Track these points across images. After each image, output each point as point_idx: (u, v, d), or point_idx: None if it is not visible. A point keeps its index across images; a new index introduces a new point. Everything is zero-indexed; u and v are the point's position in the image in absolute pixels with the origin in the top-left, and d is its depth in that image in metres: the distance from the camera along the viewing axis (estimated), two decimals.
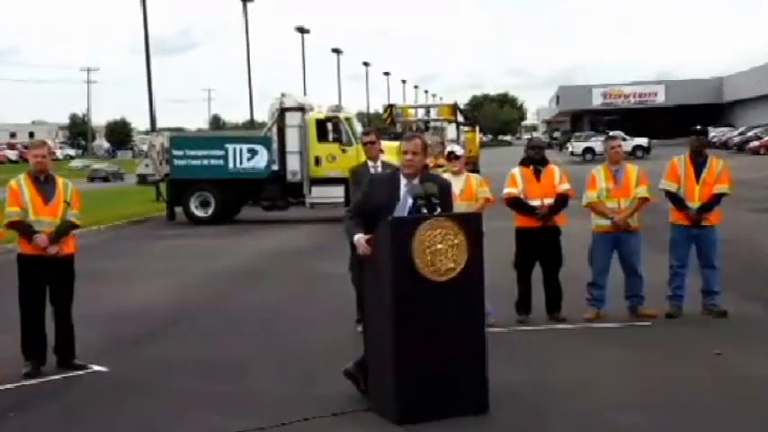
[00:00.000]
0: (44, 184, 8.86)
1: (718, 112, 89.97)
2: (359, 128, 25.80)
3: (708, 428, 6.67)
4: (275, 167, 25.74)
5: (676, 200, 10.34)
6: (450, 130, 36.26)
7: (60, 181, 9.02)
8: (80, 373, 8.80)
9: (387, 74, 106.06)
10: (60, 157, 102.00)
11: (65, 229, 8.85)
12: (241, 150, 25.76)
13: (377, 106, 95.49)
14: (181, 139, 28.32)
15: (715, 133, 73.31)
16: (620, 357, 8.78)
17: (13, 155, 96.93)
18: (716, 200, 10.27)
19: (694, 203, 10.24)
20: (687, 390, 7.60)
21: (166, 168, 26.47)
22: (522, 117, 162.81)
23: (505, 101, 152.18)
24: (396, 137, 25.81)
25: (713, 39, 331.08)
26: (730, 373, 8.08)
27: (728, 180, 10.39)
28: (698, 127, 10.64)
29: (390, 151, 13.65)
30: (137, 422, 7.31)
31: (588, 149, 61.94)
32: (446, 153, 10.58)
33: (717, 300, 10.33)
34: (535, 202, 10.27)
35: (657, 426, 6.72)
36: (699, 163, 10.36)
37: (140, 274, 16.17)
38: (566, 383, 7.89)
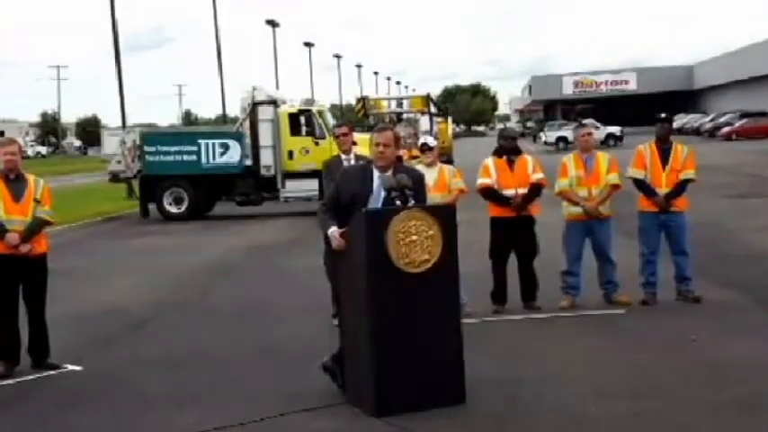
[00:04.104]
0: (15, 182, 8.76)
1: (690, 98, 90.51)
2: (332, 121, 25.72)
3: (685, 414, 6.69)
4: (248, 162, 25.63)
5: (644, 187, 10.39)
6: (424, 122, 36.13)
7: (31, 179, 8.93)
8: (54, 372, 8.73)
9: (359, 66, 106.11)
10: (31, 155, 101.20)
11: (36, 227, 8.75)
12: (213, 146, 25.63)
13: (349, 99, 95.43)
14: (152, 135, 28.10)
15: (687, 120, 73.85)
16: (596, 345, 8.80)
17: None
18: (682, 186, 10.33)
19: (662, 190, 10.29)
20: (663, 376, 7.63)
21: (138, 165, 26.32)
22: (495, 107, 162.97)
23: (478, 91, 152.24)
24: (369, 129, 25.75)
25: (685, 26, 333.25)
26: (706, 359, 8.12)
27: (694, 166, 10.46)
28: (663, 115, 10.71)
29: (364, 144, 13.61)
30: (112, 420, 7.26)
31: (561, 138, 62.08)
32: (419, 144, 10.57)
33: (690, 285, 10.39)
34: (509, 192, 10.27)
35: (635, 413, 6.73)
36: (664, 150, 10.42)
37: (114, 271, 16.06)
38: (542, 373, 7.91)
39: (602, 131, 58.86)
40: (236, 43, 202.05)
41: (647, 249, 10.43)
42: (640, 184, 10.43)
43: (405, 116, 37.39)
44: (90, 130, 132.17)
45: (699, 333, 8.90)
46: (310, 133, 25.39)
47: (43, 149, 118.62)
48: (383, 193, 7.00)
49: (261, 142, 25.58)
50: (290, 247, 18.15)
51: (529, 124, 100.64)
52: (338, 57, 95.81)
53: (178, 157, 25.78)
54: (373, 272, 6.70)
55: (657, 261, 10.44)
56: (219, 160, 25.61)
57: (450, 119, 47.03)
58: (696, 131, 67.02)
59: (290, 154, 25.35)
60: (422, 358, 6.79)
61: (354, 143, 10.47)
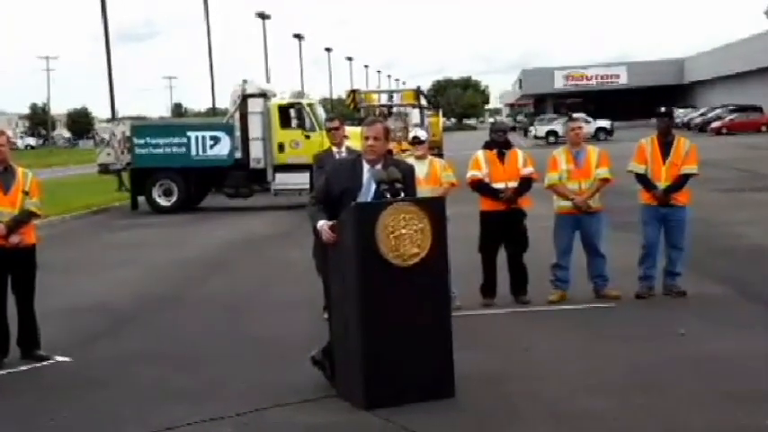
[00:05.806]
0: (3, 174, 8.74)
1: (680, 93, 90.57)
2: (322, 114, 25.69)
3: (674, 409, 6.70)
4: (238, 155, 25.59)
5: (644, 181, 10.37)
6: (414, 115, 36.09)
7: (20, 171, 8.90)
8: (44, 364, 8.72)
9: (349, 59, 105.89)
10: (21, 147, 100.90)
11: (23, 219, 8.73)
12: (204, 138, 25.60)
13: (340, 92, 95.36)
14: (142, 127, 28.08)
15: (677, 114, 73.87)
16: (585, 339, 8.82)
17: None
18: (683, 180, 10.30)
19: (661, 184, 10.27)
20: (653, 371, 7.64)
21: (128, 157, 26.27)
22: (486, 101, 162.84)
23: (469, 85, 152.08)
24: (360, 122, 25.72)
25: (675, 20, 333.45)
26: (694, 353, 8.13)
27: (696, 160, 10.41)
28: (663, 109, 10.68)
29: (355, 137, 13.58)
30: (102, 412, 7.25)
31: (551, 132, 62.12)
32: (410, 138, 10.58)
33: (677, 281, 10.39)
34: (499, 186, 10.27)
35: (625, 408, 6.74)
36: (665, 144, 10.39)
37: (104, 264, 16.04)
38: (531, 366, 7.92)
39: (592, 125, 58.93)
40: (227, 36, 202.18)
41: (646, 242, 10.42)
42: (641, 178, 10.41)
43: (395, 109, 37.33)
44: (80, 122, 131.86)
45: (688, 327, 8.91)
46: (300, 126, 25.38)
47: (33, 141, 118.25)
48: (373, 187, 6.99)
49: (251, 135, 25.55)
50: (280, 239, 18.13)
51: (519, 118, 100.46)
52: (329, 50, 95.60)
53: (168, 150, 25.76)
54: (363, 265, 6.70)
55: (657, 255, 10.44)
56: (209, 153, 25.57)
57: (440, 112, 47.02)
58: (686, 126, 67.03)
59: (281, 147, 25.32)
60: (411, 352, 6.79)
61: (346, 136, 10.46)
